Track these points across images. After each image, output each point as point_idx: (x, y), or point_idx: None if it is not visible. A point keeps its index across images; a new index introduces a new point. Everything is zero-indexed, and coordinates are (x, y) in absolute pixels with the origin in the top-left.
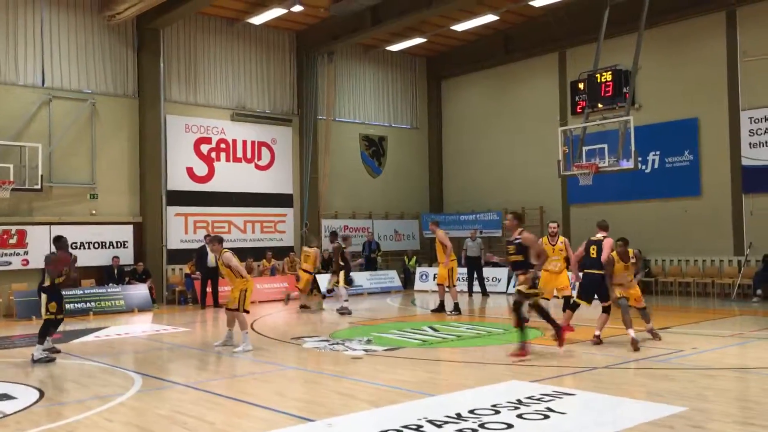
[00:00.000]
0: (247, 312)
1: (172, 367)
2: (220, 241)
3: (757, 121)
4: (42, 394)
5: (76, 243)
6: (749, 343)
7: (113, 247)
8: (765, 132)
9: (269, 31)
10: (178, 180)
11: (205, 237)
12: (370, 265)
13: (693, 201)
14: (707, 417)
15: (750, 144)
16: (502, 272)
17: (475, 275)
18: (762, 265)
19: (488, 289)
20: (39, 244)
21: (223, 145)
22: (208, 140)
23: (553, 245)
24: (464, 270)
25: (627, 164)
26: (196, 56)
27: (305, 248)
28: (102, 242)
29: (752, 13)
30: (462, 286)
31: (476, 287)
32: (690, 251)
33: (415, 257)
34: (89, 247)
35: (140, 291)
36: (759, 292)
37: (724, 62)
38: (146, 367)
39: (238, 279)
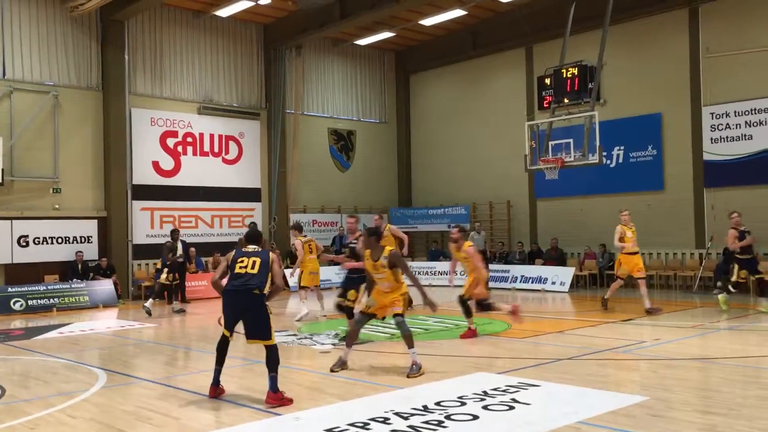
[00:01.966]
0: (303, 288)
1: (137, 362)
2: (300, 228)
3: (718, 116)
4: (3, 390)
5: (38, 238)
6: (710, 333)
7: (77, 242)
8: (726, 127)
9: (236, 24)
10: (143, 174)
11: (172, 232)
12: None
13: (656, 195)
14: (667, 406)
15: (711, 139)
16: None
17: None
18: (723, 258)
19: (441, 283)
20: (0, 239)
21: (189, 139)
22: (174, 134)
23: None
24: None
25: (592, 159)
26: (162, 49)
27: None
28: (66, 237)
29: (714, 10)
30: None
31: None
32: (653, 244)
33: None
34: (52, 242)
35: (105, 286)
36: (720, 284)
37: (687, 59)
38: (111, 363)
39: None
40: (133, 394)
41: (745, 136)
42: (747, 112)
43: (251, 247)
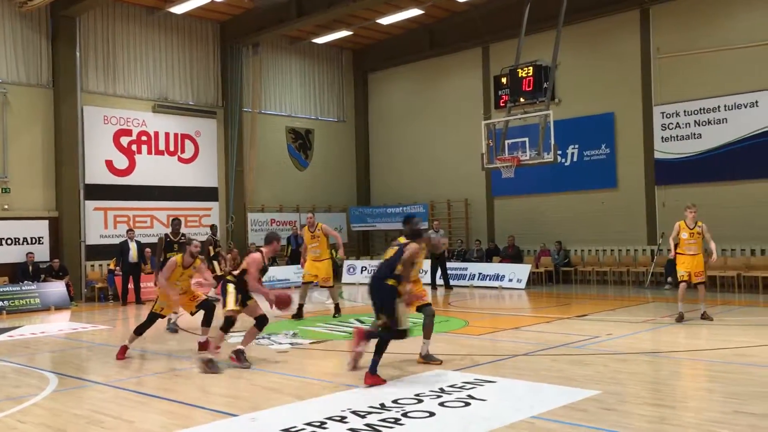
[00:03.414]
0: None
1: (90, 366)
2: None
3: (668, 116)
4: None
5: None
6: (661, 328)
7: (27, 243)
8: (676, 126)
9: (191, 21)
10: (96, 173)
11: (127, 232)
12: (296, 259)
13: (609, 193)
14: (619, 399)
15: (662, 138)
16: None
17: (439, 268)
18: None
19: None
20: None
21: (144, 138)
22: (128, 132)
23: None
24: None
25: (547, 157)
26: (115, 46)
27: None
28: (15, 238)
29: (665, 12)
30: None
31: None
32: (607, 241)
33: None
34: (1, 243)
35: (57, 288)
36: (670, 279)
37: (639, 59)
38: (63, 367)
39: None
40: (85, 397)
41: (694, 135)
42: (696, 112)
43: (403, 240)
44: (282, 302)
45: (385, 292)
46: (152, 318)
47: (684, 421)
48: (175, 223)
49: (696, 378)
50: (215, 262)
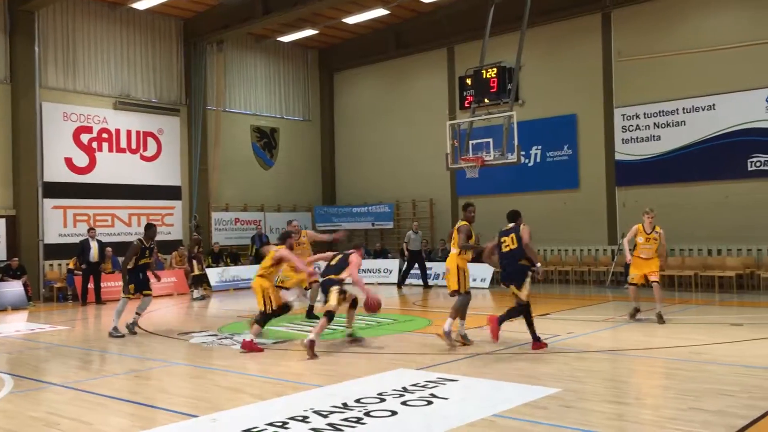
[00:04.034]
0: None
1: (48, 367)
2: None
3: (629, 118)
4: None
5: None
6: (620, 326)
7: None
8: (636, 128)
9: (154, 17)
10: (56, 171)
11: (88, 231)
12: (260, 259)
13: (572, 193)
14: (579, 397)
15: (623, 140)
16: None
17: (417, 267)
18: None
19: (381, 281)
20: None
21: (105, 135)
22: (88, 129)
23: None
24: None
25: (511, 158)
26: (75, 41)
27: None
28: None
29: (625, 16)
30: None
31: (409, 280)
32: (569, 241)
33: None
34: None
35: (14, 288)
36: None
37: (600, 62)
38: (19, 368)
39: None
40: (42, 399)
41: (653, 137)
42: (655, 114)
43: (509, 225)
44: (371, 306)
45: (518, 273)
46: (284, 308)
47: (641, 417)
48: (150, 229)
49: (653, 375)
50: (194, 261)
